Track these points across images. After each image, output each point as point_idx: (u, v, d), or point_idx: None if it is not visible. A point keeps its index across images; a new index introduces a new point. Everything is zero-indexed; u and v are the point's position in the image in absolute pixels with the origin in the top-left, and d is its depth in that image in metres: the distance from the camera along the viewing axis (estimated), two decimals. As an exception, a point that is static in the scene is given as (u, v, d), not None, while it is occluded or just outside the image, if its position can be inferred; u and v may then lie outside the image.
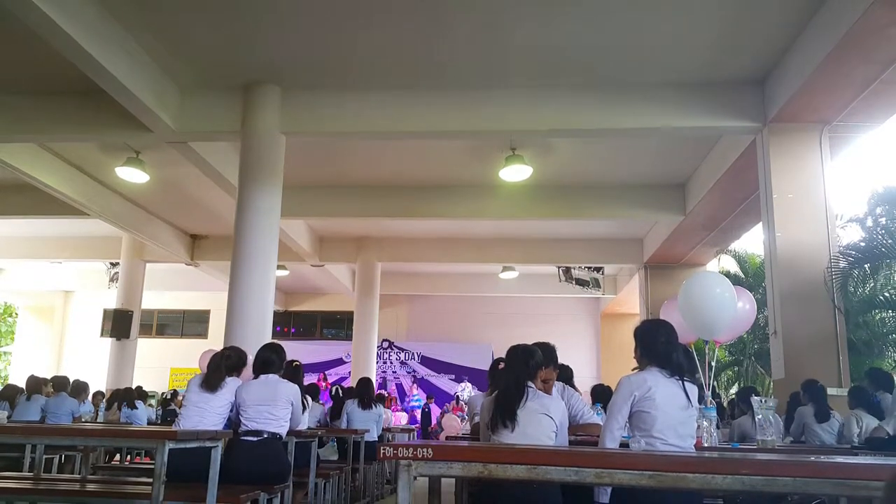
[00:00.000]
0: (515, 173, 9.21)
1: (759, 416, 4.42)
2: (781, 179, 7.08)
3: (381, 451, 2.13)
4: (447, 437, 10.12)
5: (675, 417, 2.96)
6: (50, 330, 20.62)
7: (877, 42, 5.51)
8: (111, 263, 15.89)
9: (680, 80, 7.22)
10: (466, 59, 6.96)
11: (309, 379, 16.94)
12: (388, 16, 6.25)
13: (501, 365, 3.45)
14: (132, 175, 9.55)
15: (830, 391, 6.15)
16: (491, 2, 6.00)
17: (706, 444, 4.02)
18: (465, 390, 17.53)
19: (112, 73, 6.26)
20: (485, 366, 15.18)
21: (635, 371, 3.18)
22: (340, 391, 8.27)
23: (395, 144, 9.12)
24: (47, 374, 9.85)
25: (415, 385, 18.48)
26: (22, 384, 8.72)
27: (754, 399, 4.54)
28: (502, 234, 13.54)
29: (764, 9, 6.00)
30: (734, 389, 12.61)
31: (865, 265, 7.29)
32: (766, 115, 7.15)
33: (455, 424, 15.38)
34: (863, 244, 7.30)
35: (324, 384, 15.61)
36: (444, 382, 18.68)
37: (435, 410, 16.07)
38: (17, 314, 23.40)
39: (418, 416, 16.33)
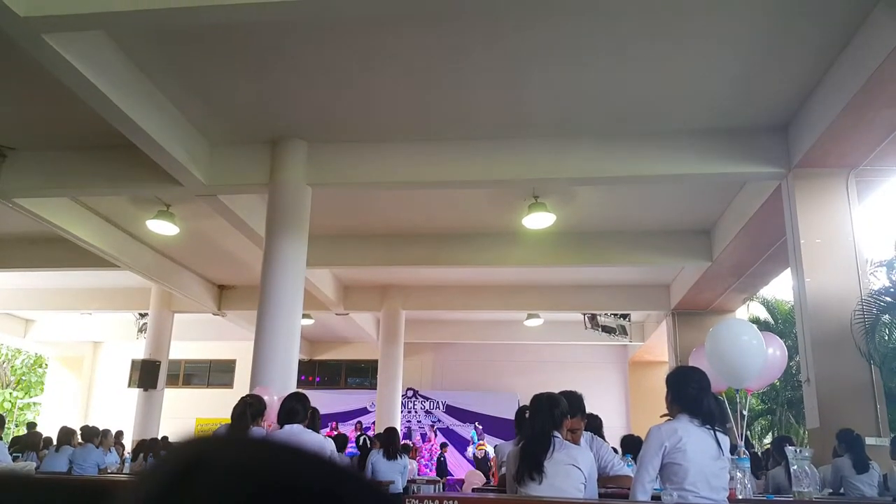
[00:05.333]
0: (539, 221, 9.21)
1: (795, 467, 4.29)
2: (808, 225, 7.00)
3: (408, 504, 2.11)
4: (473, 489, 9.94)
5: (707, 469, 2.90)
6: (78, 380, 20.78)
7: (900, 86, 5.50)
8: (140, 314, 16.06)
9: (703, 127, 7.24)
10: (488, 109, 7.06)
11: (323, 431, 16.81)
12: (408, 71, 6.38)
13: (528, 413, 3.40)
14: (162, 227, 9.74)
15: (868, 441, 5.96)
16: (511, 55, 6.10)
17: (740, 497, 3.91)
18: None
19: (144, 129, 6.44)
20: (510, 415, 14.89)
21: (665, 418, 3.13)
22: (368, 442, 8.18)
23: (418, 194, 9.22)
24: (75, 425, 9.91)
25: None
26: (50, 434, 8.79)
27: (788, 449, 4.41)
28: (526, 282, 13.49)
29: (785, 56, 6.03)
30: (768, 439, 12.29)
31: (898, 310, 7.11)
32: (790, 161, 7.12)
33: (477, 480, 15.11)
34: (893, 290, 7.13)
35: (335, 433, 15.46)
36: (468, 432, 18.41)
37: (451, 459, 15.73)
38: (47, 365, 23.65)
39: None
